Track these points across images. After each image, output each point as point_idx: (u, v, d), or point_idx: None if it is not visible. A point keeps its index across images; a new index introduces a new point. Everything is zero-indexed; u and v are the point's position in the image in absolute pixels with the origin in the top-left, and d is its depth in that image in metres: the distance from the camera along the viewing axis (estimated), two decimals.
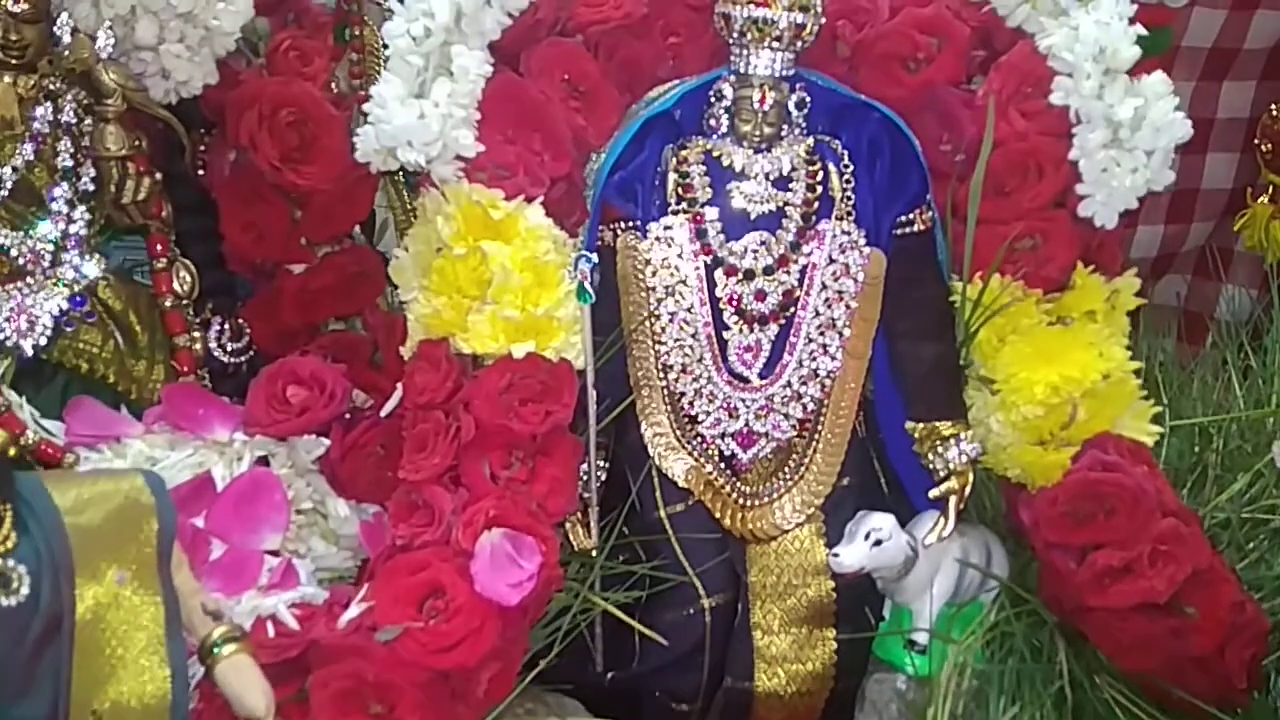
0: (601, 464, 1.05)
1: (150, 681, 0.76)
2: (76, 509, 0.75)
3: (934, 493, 1.07)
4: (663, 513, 1.06)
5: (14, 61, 1.06)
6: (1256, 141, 1.80)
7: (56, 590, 0.74)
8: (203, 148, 1.18)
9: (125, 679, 0.75)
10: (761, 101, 1.04)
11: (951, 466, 1.07)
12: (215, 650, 0.81)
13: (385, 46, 1.04)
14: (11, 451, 0.93)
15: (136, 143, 1.10)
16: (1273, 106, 1.78)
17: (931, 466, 1.08)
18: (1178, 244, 1.90)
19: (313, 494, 1.04)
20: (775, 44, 1.04)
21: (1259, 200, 1.77)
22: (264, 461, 1.03)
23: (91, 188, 1.08)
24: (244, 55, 1.18)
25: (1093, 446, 1.05)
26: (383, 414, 1.08)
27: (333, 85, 1.34)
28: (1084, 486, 1.03)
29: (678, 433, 1.07)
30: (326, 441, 1.06)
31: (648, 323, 1.04)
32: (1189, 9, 1.63)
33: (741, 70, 1.05)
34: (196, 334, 1.15)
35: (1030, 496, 1.06)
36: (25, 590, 0.73)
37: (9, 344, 1.04)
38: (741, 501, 1.07)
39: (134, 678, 0.76)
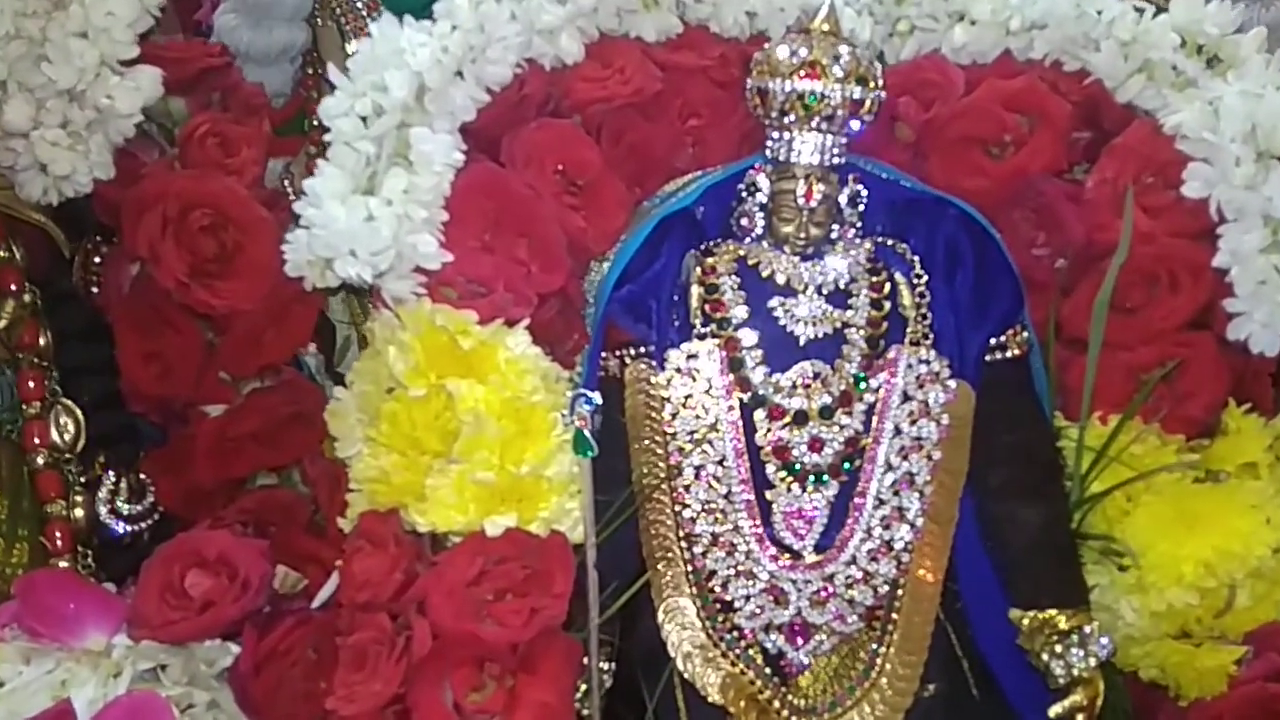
0: (605, 667, 0.87)
1: None
2: None
3: (1055, 711, 0.86)
4: None
5: None
6: None
7: None
8: (97, 260, 1.02)
9: None
10: (807, 196, 0.87)
11: (1075, 671, 0.86)
12: None
13: (324, 130, 0.81)
14: None
15: (3, 254, 0.93)
16: None
17: (1046, 669, 0.87)
18: None
19: (216, 718, 0.85)
20: (825, 124, 0.86)
21: None
22: (152, 675, 0.85)
23: None
24: (154, 142, 1.00)
25: (1262, 644, 0.88)
26: (315, 604, 0.89)
27: (285, 184, 1.14)
28: (1259, 702, 0.87)
29: (707, 625, 0.88)
30: (236, 648, 0.87)
31: (667, 480, 0.86)
32: None
33: (781, 158, 0.87)
34: (79, 496, 0.97)
35: (1178, 709, 0.90)
36: None
37: None
38: None
39: None
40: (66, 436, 0.96)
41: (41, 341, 0.96)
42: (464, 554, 0.80)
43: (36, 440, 0.95)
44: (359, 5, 1.25)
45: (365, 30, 1.23)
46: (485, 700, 0.78)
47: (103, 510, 0.98)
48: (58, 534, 0.94)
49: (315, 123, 1.22)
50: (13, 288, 0.92)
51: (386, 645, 0.77)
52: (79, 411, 0.96)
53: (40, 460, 0.95)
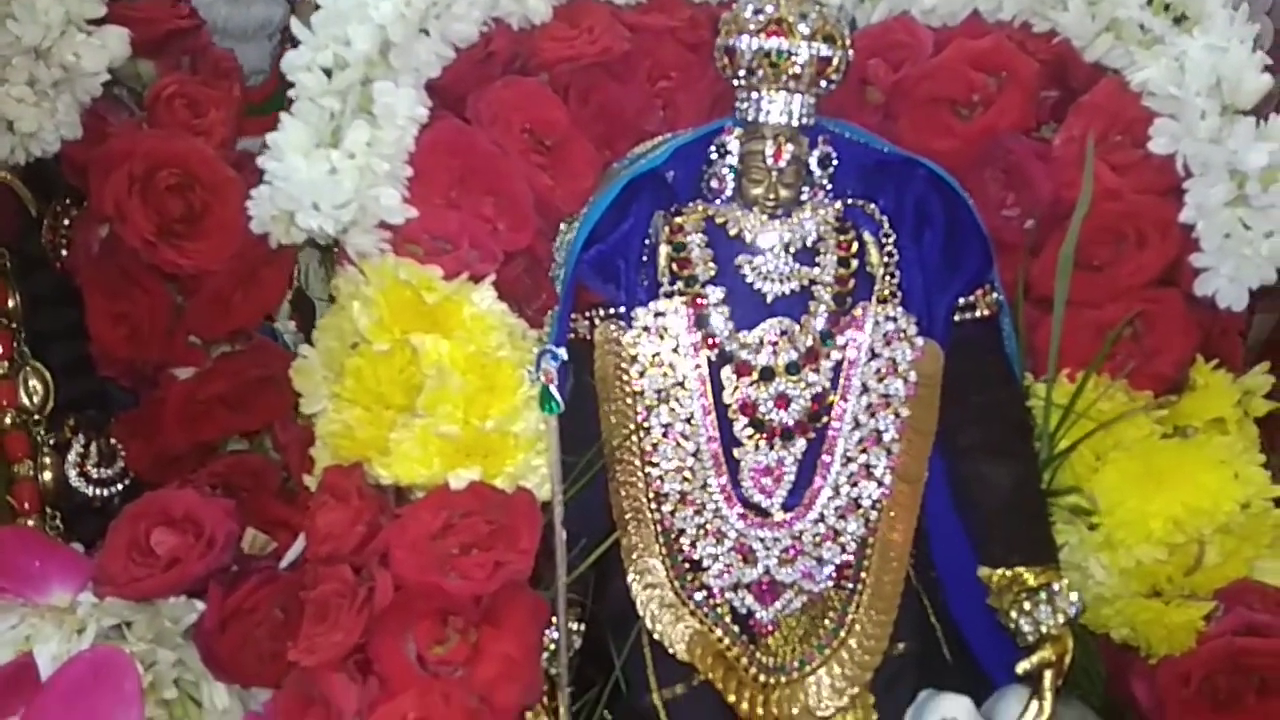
0: (575, 628, 0.86)
1: None
2: None
3: (1023, 667, 0.86)
4: (657, 698, 0.87)
5: None
6: None
7: None
8: (66, 222, 1.01)
9: None
10: (776, 156, 0.86)
11: (1044, 629, 0.86)
12: None
13: (289, 85, 0.81)
14: None
15: None
16: None
17: (1015, 628, 0.87)
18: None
19: (182, 675, 0.85)
20: (793, 83, 0.85)
21: None
22: (116, 633, 0.84)
23: None
24: (124, 106, 1.00)
25: (1232, 600, 0.87)
26: (282, 565, 0.88)
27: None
28: (1227, 656, 0.84)
29: (676, 585, 0.87)
30: (201, 605, 0.87)
31: (635, 438, 0.86)
32: None
33: (750, 118, 0.87)
34: (47, 459, 0.97)
35: (1148, 667, 0.88)
36: None
37: None
38: (762, 678, 0.87)
39: None
40: (35, 399, 0.95)
41: (10, 303, 0.95)
42: (428, 507, 0.79)
43: (4, 401, 0.94)
44: None
45: None
46: (448, 652, 0.77)
47: (72, 474, 0.98)
48: (25, 494, 0.94)
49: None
50: None
51: (348, 596, 0.76)
52: (48, 374, 0.96)
53: (7, 420, 0.95)
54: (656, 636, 0.86)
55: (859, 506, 0.86)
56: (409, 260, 0.84)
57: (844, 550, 0.86)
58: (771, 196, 0.86)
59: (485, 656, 0.77)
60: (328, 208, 0.81)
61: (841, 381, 0.85)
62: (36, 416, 0.96)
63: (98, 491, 0.99)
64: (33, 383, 0.96)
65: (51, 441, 0.97)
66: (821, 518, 0.85)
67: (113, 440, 1.00)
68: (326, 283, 1.13)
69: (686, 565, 0.86)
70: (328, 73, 0.82)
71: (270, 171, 0.82)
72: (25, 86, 0.89)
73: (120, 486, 1.00)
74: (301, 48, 0.82)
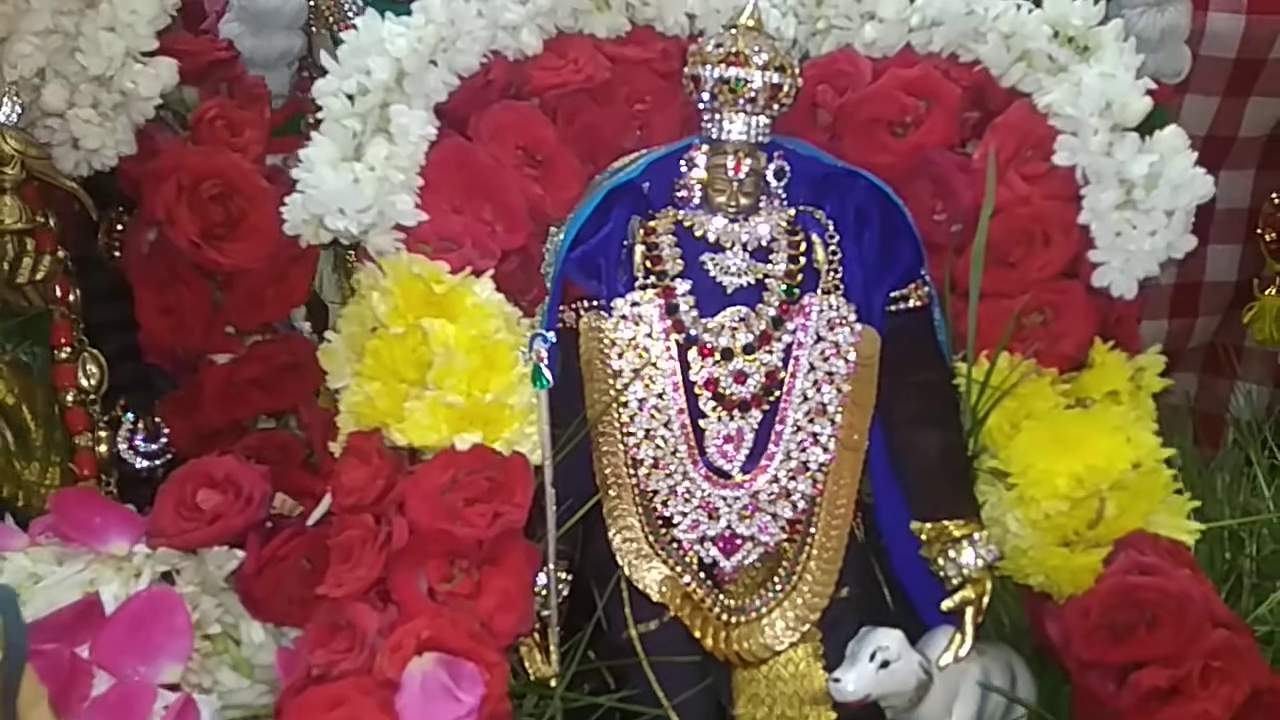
0: (563, 576, 0.93)
1: None
2: None
3: (947, 604, 0.96)
4: (633, 631, 0.94)
5: None
6: (1259, 231, 1.72)
7: None
8: (119, 228, 1.10)
9: None
10: (736, 169, 0.96)
11: (966, 573, 0.96)
12: None
13: (317, 109, 0.94)
14: None
15: (40, 219, 1.00)
16: (1274, 195, 1.70)
17: (943, 573, 0.97)
18: (1183, 340, 1.81)
19: (223, 616, 0.92)
20: (749, 106, 0.96)
21: (1266, 292, 1.68)
22: (167, 578, 0.91)
23: None
24: (170, 127, 1.09)
25: (1127, 547, 0.96)
26: (309, 522, 0.98)
27: None
28: (1121, 594, 0.93)
29: (650, 538, 0.96)
30: (241, 554, 0.94)
31: (614, 411, 0.93)
32: (1181, 95, 1.57)
33: (714, 136, 0.97)
34: (103, 433, 1.05)
35: (1058, 608, 0.97)
36: None
37: None
38: (725, 618, 0.95)
39: None
40: (92, 381, 1.03)
41: (71, 298, 1.03)
42: (437, 465, 0.86)
43: (66, 382, 1.03)
44: (350, 14, 1.34)
45: None
46: (455, 586, 0.84)
47: (123, 447, 1.05)
48: (84, 464, 1.03)
49: (311, 120, 1.34)
50: (46, 248, 1.00)
51: (370, 540, 0.84)
52: (103, 360, 1.04)
53: (69, 398, 1.03)
54: (634, 582, 0.94)
55: (807, 469, 0.94)
56: (420, 257, 0.92)
57: (794, 508, 0.94)
58: (733, 204, 0.96)
59: (486, 590, 0.85)
60: (351, 212, 0.90)
61: (791, 361, 0.93)
62: (93, 396, 1.03)
63: (144, 463, 1.06)
64: (90, 367, 1.03)
65: (105, 419, 1.04)
66: (775, 479, 0.93)
67: (158, 419, 1.07)
68: (339, 288, 1.25)
69: (659, 521, 0.94)
70: (351, 98, 0.92)
71: (302, 181, 0.92)
72: (90, 109, 0.97)
73: (164, 459, 1.06)
74: (329, 76, 0.92)
